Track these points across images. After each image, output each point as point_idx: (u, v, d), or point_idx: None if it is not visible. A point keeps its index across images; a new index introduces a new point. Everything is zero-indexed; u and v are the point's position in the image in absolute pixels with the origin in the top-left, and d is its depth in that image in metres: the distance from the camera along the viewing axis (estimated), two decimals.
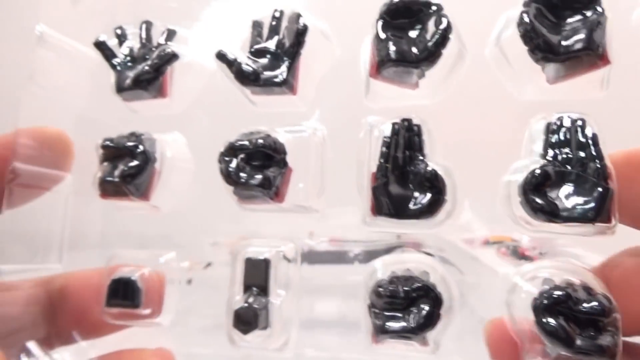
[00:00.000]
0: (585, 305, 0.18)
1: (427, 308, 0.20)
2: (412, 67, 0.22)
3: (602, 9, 0.20)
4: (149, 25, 0.27)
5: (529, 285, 0.21)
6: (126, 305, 0.24)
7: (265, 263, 0.23)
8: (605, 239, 0.20)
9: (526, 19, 0.21)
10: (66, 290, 0.26)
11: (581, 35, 0.20)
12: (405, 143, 0.22)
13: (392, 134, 0.22)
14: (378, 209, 0.22)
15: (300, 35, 0.23)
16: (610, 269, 0.19)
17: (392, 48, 0.22)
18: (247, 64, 0.24)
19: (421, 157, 0.22)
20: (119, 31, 0.27)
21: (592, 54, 0.20)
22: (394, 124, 0.22)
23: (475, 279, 0.25)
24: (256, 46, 0.25)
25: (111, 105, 0.29)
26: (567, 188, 0.20)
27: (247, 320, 0.22)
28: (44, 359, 0.24)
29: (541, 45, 0.20)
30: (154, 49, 0.27)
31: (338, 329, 0.25)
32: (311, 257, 0.27)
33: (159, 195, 0.26)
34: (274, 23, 0.25)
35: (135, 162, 0.24)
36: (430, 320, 0.20)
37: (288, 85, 0.24)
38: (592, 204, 0.19)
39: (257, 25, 0.25)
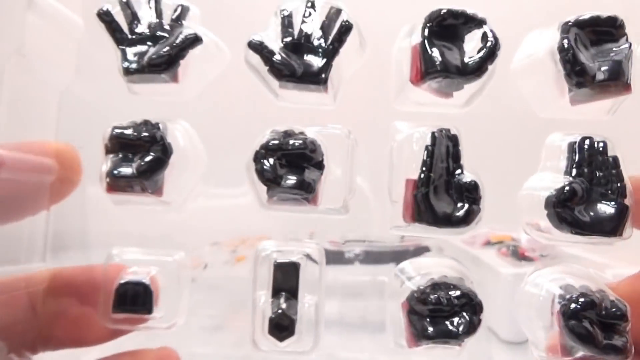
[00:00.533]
0: (608, 310, 0.21)
1: (471, 316, 0.21)
2: (457, 78, 0.22)
3: (630, 42, 0.22)
4: None
5: (549, 286, 0.23)
6: (138, 310, 0.22)
7: (295, 267, 0.23)
8: None
9: (566, 45, 0.22)
10: (50, 291, 0.23)
11: (613, 66, 0.22)
12: (446, 153, 0.22)
13: (433, 143, 0.22)
14: (419, 217, 0.22)
15: (344, 32, 0.23)
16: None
17: (439, 58, 0.22)
18: (285, 57, 0.23)
19: (460, 168, 0.23)
20: (124, 0, 0.24)
21: (620, 84, 0.22)
22: (433, 133, 0.23)
23: (475, 279, 0.27)
24: (289, 38, 0.23)
25: (101, 84, 0.26)
26: (591, 204, 0.22)
27: (284, 327, 0.21)
28: None
29: (579, 71, 0.22)
30: (166, 26, 0.24)
31: (338, 329, 0.25)
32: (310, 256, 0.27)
33: (171, 190, 0.24)
34: (308, 15, 0.24)
35: (154, 156, 0.22)
36: (474, 327, 0.21)
37: (325, 84, 0.23)
38: (612, 221, 0.22)
39: (286, 15, 0.24)
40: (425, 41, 0.22)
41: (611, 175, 0.22)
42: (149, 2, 0.24)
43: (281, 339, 0.22)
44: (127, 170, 0.22)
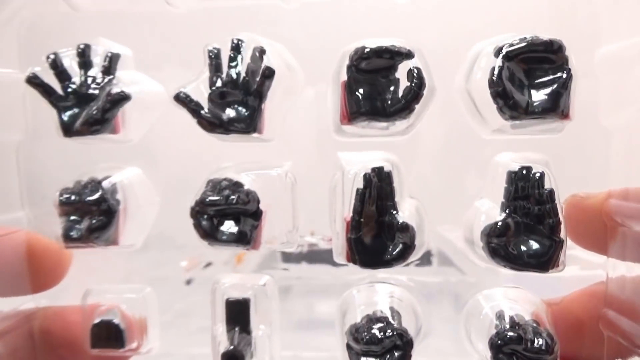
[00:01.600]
0: (533, 345, 0.21)
1: (401, 354, 0.22)
2: (383, 121, 0.22)
3: (570, 68, 0.21)
4: (87, 50, 0.24)
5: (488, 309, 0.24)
6: (111, 346, 0.25)
7: (246, 303, 0.25)
8: None
9: (495, 78, 0.21)
10: (47, 331, 0.26)
11: (549, 97, 0.21)
12: (377, 194, 0.23)
13: (365, 186, 0.23)
14: (353, 259, 0.23)
15: (266, 77, 0.22)
16: None
17: (363, 103, 0.21)
18: (211, 109, 0.23)
19: (392, 208, 0.23)
20: (51, 59, 0.24)
21: (557, 115, 0.21)
22: (364, 175, 0.23)
23: (476, 279, 0.28)
24: (217, 87, 0.23)
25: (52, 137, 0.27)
26: (524, 239, 0.22)
27: None
28: None
29: (511, 105, 0.21)
30: (99, 79, 0.24)
31: (335, 330, 0.26)
32: (311, 257, 0.29)
33: (128, 234, 0.26)
34: (233, 57, 0.23)
35: (101, 218, 0.23)
36: None
37: (255, 131, 0.23)
38: (544, 256, 0.22)
39: (213, 56, 0.23)
40: (350, 83, 0.22)
41: (546, 210, 0.22)
42: (78, 55, 0.24)
43: None
44: (77, 232, 0.24)
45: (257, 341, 0.25)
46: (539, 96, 0.21)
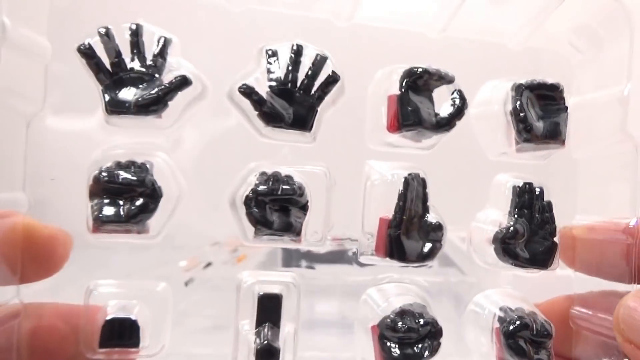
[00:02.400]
0: (538, 331, 0.25)
1: (432, 341, 0.24)
2: (429, 132, 0.25)
3: (566, 106, 0.26)
4: (139, 30, 0.24)
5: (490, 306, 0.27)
6: (126, 345, 0.23)
7: (279, 299, 0.25)
8: None
9: (519, 107, 0.25)
10: (35, 331, 0.23)
11: (554, 127, 0.26)
12: (416, 196, 0.25)
13: (406, 189, 0.25)
14: (391, 255, 0.25)
15: (330, 83, 0.24)
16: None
17: (414, 115, 0.25)
18: (274, 104, 0.24)
19: (427, 210, 0.26)
20: (104, 33, 0.23)
21: (559, 142, 0.26)
22: (406, 179, 0.25)
23: (476, 279, 0.30)
24: (275, 83, 0.24)
25: (71, 113, 0.25)
26: (529, 242, 0.27)
27: (270, 356, 0.24)
28: None
29: (528, 129, 0.26)
30: (150, 61, 0.24)
31: (338, 329, 0.26)
32: (311, 256, 0.29)
33: (155, 225, 0.25)
34: (294, 60, 0.25)
35: (144, 201, 0.22)
36: (435, 351, 0.25)
37: (310, 129, 0.25)
38: (545, 256, 0.26)
39: (272, 55, 0.25)
40: (403, 95, 0.25)
41: (545, 218, 0.27)
42: (130, 34, 0.24)
43: None
44: (114, 214, 0.22)
45: (286, 338, 0.25)
46: (546, 125, 0.26)
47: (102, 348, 0.23)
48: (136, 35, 0.24)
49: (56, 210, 0.25)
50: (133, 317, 0.24)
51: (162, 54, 0.24)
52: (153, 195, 0.22)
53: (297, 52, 0.25)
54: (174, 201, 0.25)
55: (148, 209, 0.22)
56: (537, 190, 0.27)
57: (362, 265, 0.29)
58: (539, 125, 0.26)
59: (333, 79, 0.24)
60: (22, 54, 0.23)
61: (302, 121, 0.24)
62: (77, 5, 0.25)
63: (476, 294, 0.29)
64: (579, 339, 0.28)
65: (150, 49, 0.24)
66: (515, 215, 0.27)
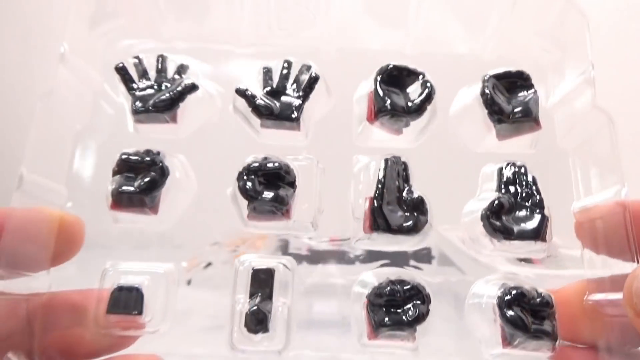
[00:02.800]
0: (535, 299, 0.24)
1: (420, 305, 0.24)
2: (403, 116, 0.28)
3: (536, 90, 0.29)
4: (164, 58, 0.30)
5: (490, 290, 0.26)
6: (130, 311, 0.25)
7: (271, 272, 0.26)
8: None
9: (487, 91, 0.28)
10: (49, 309, 0.26)
11: (524, 106, 0.28)
12: (397, 174, 0.27)
13: (386, 166, 0.27)
14: (375, 226, 0.26)
15: (313, 82, 0.29)
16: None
17: (388, 101, 0.28)
18: (265, 100, 0.28)
19: (409, 187, 0.27)
20: (137, 59, 0.30)
21: (531, 120, 0.28)
22: (386, 159, 0.28)
23: (475, 279, 0.29)
24: (269, 88, 0.29)
25: (110, 128, 0.31)
26: (517, 215, 0.27)
27: (258, 321, 0.24)
28: None
29: (497, 110, 0.28)
30: (169, 79, 0.30)
31: (338, 329, 0.27)
32: (311, 257, 0.30)
33: (165, 210, 0.28)
34: (284, 70, 0.30)
35: (153, 175, 0.26)
36: (423, 315, 0.24)
37: (298, 122, 0.28)
38: (535, 228, 0.26)
39: (267, 71, 0.30)
40: (377, 87, 0.28)
41: (532, 191, 0.27)
42: (157, 61, 0.30)
43: (255, 332, 0.25)
44: (129, 187, 0.26)
45: (277, 312, 0.26)
46: (517, 106, 0.28)
47: (109, 313, 0.25)
48: (161, 62, 0.30)
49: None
50: (138, 286, 0.26)
51: (179, 73, 0.30)
52: (161, 172, 0.27)
53: (288, 66, 0.30)
54: (183, 193, 0.29)
55: (156, 183, 0.26)
56: (521, 167, 0.28)
57: (362, 263, 0.30)
58: (509, 106, 0.28)
59: (314, 79, 0.29)
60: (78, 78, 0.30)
61: (289, 113, 0.28)
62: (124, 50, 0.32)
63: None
64: (597, 325, 0.26)
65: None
66: (500, 191, 0.27)
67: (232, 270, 0.27)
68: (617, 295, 0.24)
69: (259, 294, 0.26)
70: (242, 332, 0.25)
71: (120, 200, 0.26)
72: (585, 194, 0.28)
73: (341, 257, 0.30)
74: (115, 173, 0.27)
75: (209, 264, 0.30)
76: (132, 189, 0.26)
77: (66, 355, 0.26)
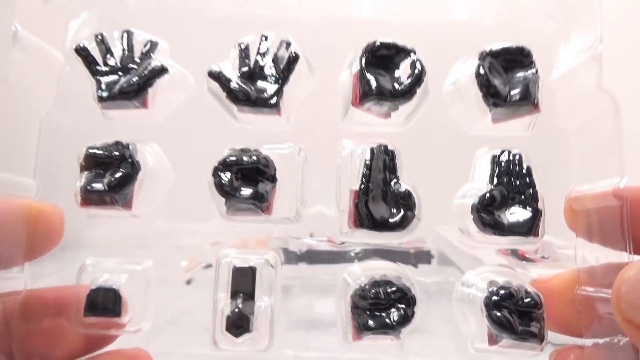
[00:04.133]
0: (523, 300, 0.23)
1: (404, 307, 0.24)
2: (390, 101, 0.26)
3: (537, 69, 0.26)
4: (130, 34, 0.28)
5: (478, 283, 0.26)
6: (108, 314, 0.25)
7: (252, 271, 0.25)
8: None
9: (482, 72, 0.26)
10: (24, 309, 0.25)
11: (523, 88, 0.26)
12: (383, 166, 0.26)
13: (372, 158, 0.26)
14: (360, 222, 0.25)
15: (292, 62, 0.26)
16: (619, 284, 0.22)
17: (374, 83, 0.25)
18: (240, 84, 0.26)
19: (396, 179, 0.26)
20: (99, 37, 0.27)
21: (529, 104, 0.26)
22: (372, 148, 0.26)
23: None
24: (246, 68, 0.27)
25: (78, 112, 0.29)
26: (510, 209, 0.25)
27: (240, 324, 0.24)
28: None
29: (494, 93, 0.25)
30: (137, 59, 0.27)
31: (338, 329, 0.26)
32: (311, 257, 0.29)
33: (139, 204, 0.27)
34: (262, 47, 0.27)
35: (123, 172, 0.25)
36: (408, 318, 0.23)
37: (277, 107, 0.26)
38: (528, 223, 0.25)
39: (243, 48, 0.27)
40: (363, 69, 0.26)
41: (526, 183, 0.25)
42: (121, 38, 0.27)
43: (237, 335, 0.24)
44: (98, 185, 0.25)
45: (260, 311, 0.25)
46: (515, 87, 0.26)
47: (86, 316, 0.25)
48: (127, 38, 0.27)
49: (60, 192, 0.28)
50: (115, 287, 0.25)
51: (148, 53, 0.27)
52: (131, 168, 0.25)
53: (265, 39, 0.27)
54: (158, 185, 0.28)
55: (127, 180, 0.25)
56: (516, 156, 0.26)
57: (361, 262, 0.29)
58: (506, 88, 0.25)
59: (294, 59, 0.26)
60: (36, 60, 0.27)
61: (268, 99, 0.26)
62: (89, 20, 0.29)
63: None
64: (588, 317, 0.26)
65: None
66: (494, 184, 0.26)
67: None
68: (608, 292, 0.23)
69: (240, 295, 0.25)
70: (224, 334, 0.24)
71: (90, 199, 0.25)
72: (582, 181, 0.27)
73: (341, 257, 0.28)
74: (82, 169, 0.25)
75: (209, 265, 0.29)
76: (101, 186, 0.24)
77: (47, 355, 0.25)
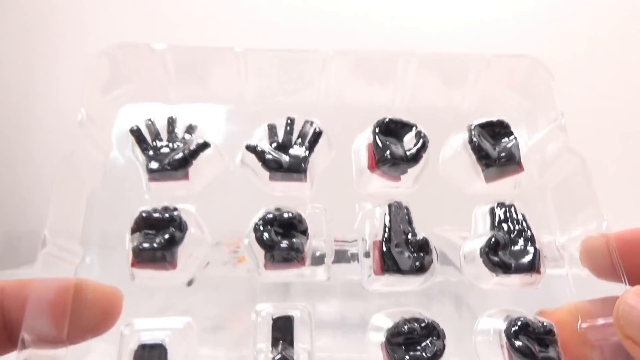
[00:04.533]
0: (538, 328, 0.26)
1: (437, 341, 0.26)
2: (402, 164, 0.31)
3: (515, 137, 0.32)
4: (174, 119, 0.32)
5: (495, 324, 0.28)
6: None
7: (290, 320, 0.28)
8: None
9: (474, 139, 0.31)
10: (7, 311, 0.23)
11: (508, 151, 0.31)
12: (401, 218, 0.30)
13: (390, 211, 0.30)
14: (387, 268, 0.28)
15: (317, 135, 0.31)
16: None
17: (388, 151, 0.31)
18: (274, 154, 0.30)
19: (412, 230, 0.30)
20: (149, 122, 0.31)
21: (515, 163, 0.31)
22: (390, 204, 0.30)
23: (475, 279, 0.30)
24: (276, 143, 0.31)
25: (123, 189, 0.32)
26: (512, 250, 0.29)
27: None
28: None
29: (485, 155, 0.31)
30: (180, 139, 0.31)
31: (338, 329, 0.27)
32: (311, 258, 0.30)
33: (183, 262, 0.29)
34: (288, 127, 0.32)
35: (172, 231, 0.28)
36: (441, 351, 0.26)
37: (305, 174, 0.31)
38: (530, 261, 0.29)
39: (272, 127, 0.32)
40: (376, 139, 0.31)
41: (523, 227, 0.30)
42: (168, 123, 0.32)
43: None
44: (149, 244, 0.27)
45: (299, 357, 0.27)
46: (501, 151, 0.31)
47: None
48: (171, 123, 0.32)
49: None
50: (161, 342, 0.26)
51: (189, 132, 0.32)
52: (179, 228, 0.28)
53: (290, 122, 0.32)
54: (197, 246, 0.30)
55: (176, 238, 0.27)
56: (510, 207, 0.31)
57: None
58: (495, 152, 0.31)
59: (319, 133, 0.31)
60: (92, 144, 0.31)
61: (297, 166, 0.30)
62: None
63: (476, 293, 0.30)
64: (593, 350, 0.28)
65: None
66: (494, 229, 0.30)
67: (233, 270, 0.27)
68: (609, 320, 0.27)
69: (281, 342, 0.27)
70: None
71: (142, 257, 0.27)
72: (564, 230, 0.31)
73: (340, 257, 0.30)
74: (134, 230, 0.28)
75: (209, 264, 0.30)
76: (153, 245, 0.27)
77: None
